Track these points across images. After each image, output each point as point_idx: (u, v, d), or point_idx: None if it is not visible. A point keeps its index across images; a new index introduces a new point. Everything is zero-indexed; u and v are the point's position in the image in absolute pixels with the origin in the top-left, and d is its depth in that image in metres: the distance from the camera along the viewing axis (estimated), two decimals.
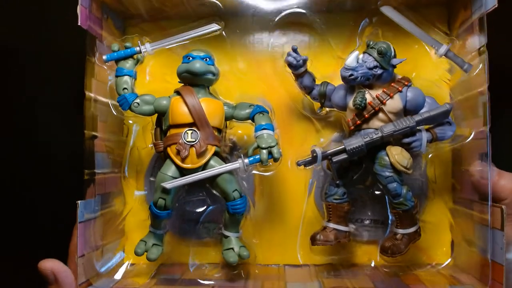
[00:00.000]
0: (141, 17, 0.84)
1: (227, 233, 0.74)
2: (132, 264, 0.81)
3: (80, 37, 0.72)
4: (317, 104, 0.78)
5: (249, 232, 0.78)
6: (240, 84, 0.81)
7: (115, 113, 0.76)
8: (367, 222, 0.79)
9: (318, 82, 0.76)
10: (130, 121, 0.80)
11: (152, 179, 0.80)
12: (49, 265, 0.65)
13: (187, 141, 0.69)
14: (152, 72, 0.81)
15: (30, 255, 0.86)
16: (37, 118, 0.92)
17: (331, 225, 0.74)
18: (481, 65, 0.67)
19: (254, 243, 0.79)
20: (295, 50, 0.73)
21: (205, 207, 0.78)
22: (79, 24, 0.70)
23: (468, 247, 0.74)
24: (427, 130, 0.70)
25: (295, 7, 0.78)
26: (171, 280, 0.74)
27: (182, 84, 0.74)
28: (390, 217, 0.72)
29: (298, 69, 0.74)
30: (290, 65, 0.74)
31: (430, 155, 0.75)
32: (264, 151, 0.69)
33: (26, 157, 0.91)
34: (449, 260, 0.78)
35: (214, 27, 0.72)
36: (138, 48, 0.72)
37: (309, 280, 0.74)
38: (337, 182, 0.73)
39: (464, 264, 0.75)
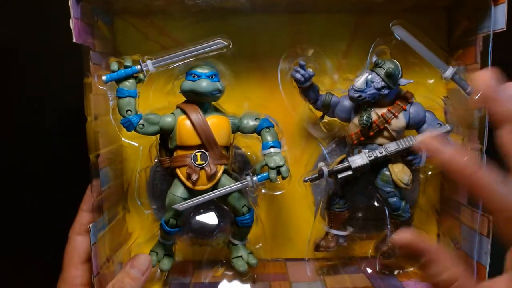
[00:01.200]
0: (129, 11, 0.79)
1: (235, 241, 0.77)
2: None
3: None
4: (319, 113, 0.79)
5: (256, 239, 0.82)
6: (246, 101, 0.80)
7: (124, 140, 0.74)
8: (363, 218, 0.85)
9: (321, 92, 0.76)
10: (136, 144, 0.78)
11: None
12: (148, 258, 0.69)
13: (197, 164, 0.69)
14: (155, 87, 0.77)
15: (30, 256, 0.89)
16: (37, 123, 0.88)
17: (333, 231, 0.79)
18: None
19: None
20: (302, 67, 0.72)
21: (216, 221, 0.80)
22: (74, 41, 0.64)
23: (452, 242, 0.82)
24: None
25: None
26: (182, 284, 0.78)
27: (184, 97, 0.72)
28: (388, 226, 0.78)
29: (305, 84, 0.73)
30: (297, 81, 0.73)
31: (429, 173, 0.79)
32: (273, 170, 0.71)
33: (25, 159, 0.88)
34: None
35: (221, 44, 0.69)
36: (139, 67, 0.68)
37: (311, 279, 0.80)
38: (340, 193, 0.77)
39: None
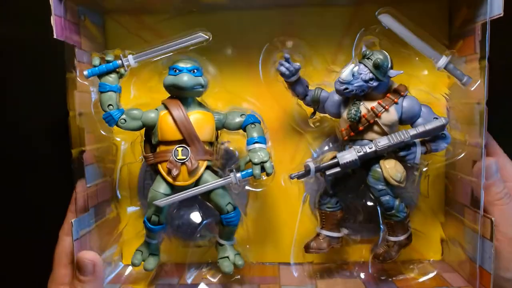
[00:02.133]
0: (120, 11, 0.79)
1: (222, 241, 0.75)
2: (126, 266, 0.83)
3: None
4: (309, 110, 0.76)
5: (243, 241, 0.79)
6: (229, 97, 0.78)
7: (103, 132, 0.73)
8: (358, 221, 0.80)
9: (311, 87, 0.73)
10: (118, 139, 0.77)
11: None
12: (91, 256, 0.68)
13: (178, 159, 0.68)
14: (137, 83, 0.77)
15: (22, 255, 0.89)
16: (18, 124, 0.89)
17: (324, 232, 0.75)
18: (479, 80, 0.64)
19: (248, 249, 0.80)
20: (287, 60, 0.69)
21: (200, 219, 0.78)
22: (55, 37, 0.65)
23: (456, 248, 0.76)
24: (422, 142, 0.69)
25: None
26: (169, 285, 0.77)
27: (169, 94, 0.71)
28: (382, 227, 0.73)
29: (291, 77, 0.71)
30: (282, 74, 0.70)
31: (425, 169, 0.74)
32: (257, 166, 0.68)
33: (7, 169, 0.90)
34: (439, 260, 0.81)
35: (201, 37, 0.67)
36: (120, 62, 0.68)
37: (303, 283, 0.76)
38: (330, 192, 0.73)
39: (453, 263, 0.78)
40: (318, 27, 0.77)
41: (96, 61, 0.68)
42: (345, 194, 0.75)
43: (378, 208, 0.72)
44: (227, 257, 0.74)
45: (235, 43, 0.78)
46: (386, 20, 0.66)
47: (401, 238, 0.72)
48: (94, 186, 0.75)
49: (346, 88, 0.66)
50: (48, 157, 0.87)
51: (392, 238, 0.72)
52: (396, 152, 0.69)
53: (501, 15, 0.62)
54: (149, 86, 0.76)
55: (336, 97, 0.71)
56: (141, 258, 0.75)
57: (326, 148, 0.78)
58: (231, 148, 0.77)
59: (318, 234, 0.76)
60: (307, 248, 0.75)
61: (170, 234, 0.80)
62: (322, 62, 0.77)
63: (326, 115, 0.75)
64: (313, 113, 0.76)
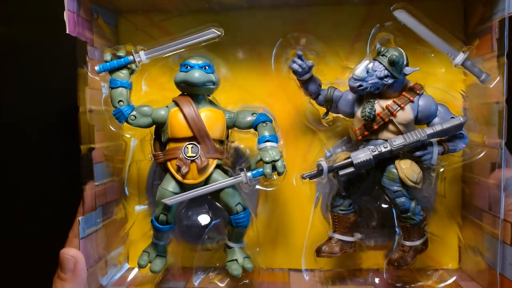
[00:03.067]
0: (133, 11, 0.79)
1: (231, 244, 0.73)
2: (132, 268, 0.81)
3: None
4: (322, 110, 0.74)
5: (253, 243, 0.77)
6: (241, 94, 0.77)
7: (112, 128, 0.72)
8: (372, 225, 0.78)
9: (324, 87, 0.72)
10: (128, 135, 0.76)
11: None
12: (73, 253, 0.66)
13: (188, 156, 0.66)
14: (149, 80, 0.76)
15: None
16: (31, 125, 0.89)
17: (337, 236, 0.72)
18: (498, 78, 0.63)
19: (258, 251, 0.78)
20: (300, 57, 0.68)
21: (208, 220, 0.76)
22: (67, 32, 0.65)
23: (475, 255, 0.73)
24: (439, 142, 0.67)
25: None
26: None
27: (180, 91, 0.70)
28: (397, 231, 0.71)
29: (303, 75, 0.69)
30: (295, 72, 0.69)
31: (441, 169, 0.72)
32: (268, 165, 0.66)
33: (18, 168, 0.89)
34: (456, 269, 0.77)
35: (213, 33, 0.67)
36: (132, 57, 0.67)
37: None
38: (343, 193, 0.71)
39: (471, 271, 0.75)
40: (331, 25, 0.76)
41: (108, 56, 0.68)
42: (358, 196, 0.72)
43: (393, 211, 0.70)
44: (236, 260, 0.72)
45: (246, 41, 0.77)
46: (402, 15, 0.65)
47: (417, 243, 0.70)
48: (103, 185, 0.74)
49: (360, 85, 0.65)
50: (57, 156, 0.87)
51: (408, 243, 0.70)
52: (411, 152, 0.66)
53: None
54: (160, 83, 0.75)
55: (350, 96, 0.70)
56: (148, 259, 0.73)
57: (339, 150, 0.75)
58: (241, 146, 0.75)
59: (330, 238, 0.73)
60: (318, 252, 0.72)
61: (177, 236, 0.78)
62: (335, 59, 0.75)
63: (339, 115, 0.74)
64: (326, 113, 0.74)
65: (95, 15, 0.74)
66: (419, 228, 0.69)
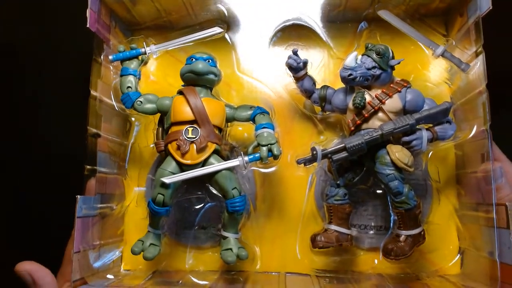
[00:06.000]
0: (148, 27, 0.87)
1: (226, 233, 0.72)
2: (127, 270, 0.79)
3: (86, 39, 0.75)
4: (317, 108, 0.79)
5: (250, 233, 0.76)
6: (241, 88, 0.82)
7: (117, 109, 0.76)
8: (370, 228, 0.77)
9: (318, 86, 0.77)
10: (133, 118, 0.81)
11: (152, 177, 0.79)
12: (25, 267, 0.64)
13: (188, 137, 0.70)
14: (155, 76, 0.83)
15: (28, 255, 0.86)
16: (40, 117, 0.93)
17: (333, 227, 0.72)
18: (478, 63, 0.68)
19: (253, 245, 0.77)
20: (295, 53, 0.75)
21: (203, 204, 0.77)
22: (88, 26, 0.73)
23: (477, 252, 0.72)
24: (428, 129, 0.70)
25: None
26: (167, 282, 0.72)
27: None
28: (392, 216, 0.71)
29: (299, 71, 0.75)
30: (290, 67, 0.75)
31: (430, 154, 0.74)
32: (264, 148, 0.69)
33: (26, 156, 0.92)
34: (459, 268, 0.75)
35: (217, 30, 0.75)
36: (143, 49, 0.75)
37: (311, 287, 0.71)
38: (338, 182, 0.72)
39: (474, 271, 0.72)
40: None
41: (121, 47, 0.75)
42: (353, 187, 0.74)
43: (388, 197, 0.70)
44: (230, 249, 0.71)
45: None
46: (386, 14, 0.73)
47: (413, 232, 0.69)
48: (104, 174, 0.76)
49: (350, 74, 0.70)
50: (60, 156, 0.90)
51: (404, 232, 0.69)
52: (401, 138, 0.69)
53: (490, 8, 0.67)
54: (167, 74, 0.81)
55: (342, 92, 0.75)
56: (142, 247, 0.72)
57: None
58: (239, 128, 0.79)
59: (326, 230, 0.73)
60: (313, 242, 0.71)
61: (173, 228, 0.78)
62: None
63: (334, 112, 0.78)
64: (321, 111, 0.79)
65: (113, 23, 0.82)
66: (415, 216, 0.69)
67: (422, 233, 0.70)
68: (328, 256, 0.76)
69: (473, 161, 0.72)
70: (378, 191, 0.75)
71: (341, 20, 0.81)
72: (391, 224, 0.72)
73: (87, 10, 0.73)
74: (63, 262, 0.70)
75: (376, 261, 0.76)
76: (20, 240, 0.90)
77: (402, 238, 0.69)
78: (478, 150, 0.71)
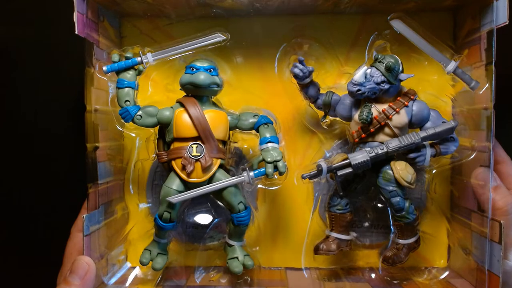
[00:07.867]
0: (137, 15, 0.81)
1: (231, 242, 0.75)
2: (133, 267, 0.82)
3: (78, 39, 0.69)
4: (321, 113, 0.78)
5: (253, 242, 0.79)
6: (244, 95, 0.79)
7: (118, 128, 0.73)
8: (366, 225, 0.81)
9: (323, 91, 0.75)
10: (133, 134, 0.78)
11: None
12: (88, 261, 0.67)
13: (193, 156, 0.68)
14: (154, 81, 0.78)
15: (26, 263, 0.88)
16: (37, 125, 0.89)
17: (334, 234, 0.75)
18: (487, 84, 0.67)
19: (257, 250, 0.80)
20: (301, 62, 0.71)
21: (210, 219, 0.78)
22: (76, 33, 0.67)
23: (464, 254, 0.77)
24: (431, 145, 0.70)
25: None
26: (176, 287, 0.76)
27: (184, 93, 0.72)
28: (392, 229, 0.74)
29: (304, 80, 0.73)
30: (296, 76, 0.72)
31: (434, 171, 0.76)
32: (270, 165, 0.69)
33: (26, 156, 0.89)
34: (446, 267, 0.81)
35: (219, 37, 0.70)
36: (139, 59, 0.69)
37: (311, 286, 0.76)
38: (341, 193, 0.74)
39: (460, 269, 0.78)
40: (329, 32, 0.80)
41: (116, 57, 0.69)
42: (355, 196, 0.75)
43: (389, 210, 0.73)
44: (237, 257, 0.74)
45: (248, 46, 0.80)
46: (398, 25, 0.69)
47: (410, 241, 0.73)
48: (105, 184, 0.75)
49: (359, 90, 0.68)
50: (61, 155, 0.87)
51: (402, 241, 0.73)
52: (406, 154, 0.70)
53: (506, 23, 0.65)
54: (166, 84, 0.77)
55: (348, 100, 0.73)
56: (150, 257, 0.74)
57: (335, 153, 0.79)
58: (245, 146, 0.78)
59: (327, 237, 0.76)
60: (316, 250, 0.75)
61: (178, 236, 0.79)
62: (335, 65, 0.79)
63: (337, 118, 0.77)
64: (324, 116, 0.77)
65: (101, 18, 0.75)
66: (412, 227, 0.72)
67: (417, 240, 0.74)
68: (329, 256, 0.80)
69: (470, 169, 0.74)
70: (379, 205, 0.77)
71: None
72: (391, 233, 0.75)
73: (74, 14, 0.66)
74: (63, 261, 0.72)
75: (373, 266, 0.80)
76: (20, 240, 0.90)
77: (399, 246, 0.73)
78: (477, 162, 0.72)
